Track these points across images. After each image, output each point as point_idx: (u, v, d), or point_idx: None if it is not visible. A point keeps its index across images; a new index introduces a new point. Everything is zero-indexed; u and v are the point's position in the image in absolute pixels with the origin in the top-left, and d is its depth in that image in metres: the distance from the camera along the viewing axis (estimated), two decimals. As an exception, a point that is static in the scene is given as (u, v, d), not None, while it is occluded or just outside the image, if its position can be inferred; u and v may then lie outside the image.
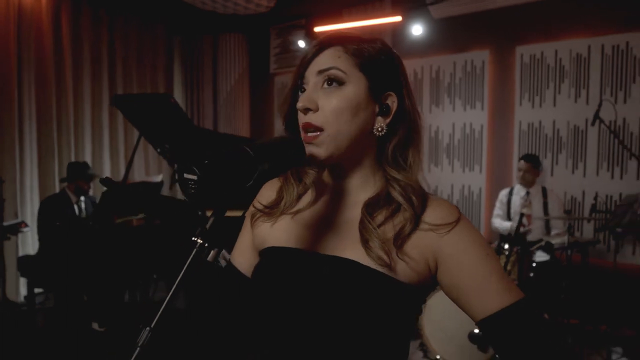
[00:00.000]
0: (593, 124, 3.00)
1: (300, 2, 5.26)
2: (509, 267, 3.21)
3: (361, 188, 0.83)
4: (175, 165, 0.75)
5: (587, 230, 4.00)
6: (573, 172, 4.08)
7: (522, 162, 3.81)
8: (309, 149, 0.76)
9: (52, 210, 3.73)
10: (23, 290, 4.23)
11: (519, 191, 3.83)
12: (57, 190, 4.46)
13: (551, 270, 3.45)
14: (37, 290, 3.92)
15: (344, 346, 0.75)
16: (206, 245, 0.66)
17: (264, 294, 0.84)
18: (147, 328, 0.64)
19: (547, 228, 3.77)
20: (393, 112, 0.80)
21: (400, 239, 0.76)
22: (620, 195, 3.81)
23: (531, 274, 3.35)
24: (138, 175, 5.13)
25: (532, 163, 3.78)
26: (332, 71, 0.76)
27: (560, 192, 4.04)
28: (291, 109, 0.83)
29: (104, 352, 3.32)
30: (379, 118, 0.79)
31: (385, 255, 0.74)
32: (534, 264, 3.41)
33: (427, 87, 4.85)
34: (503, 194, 3.97)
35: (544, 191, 3.80)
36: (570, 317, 3.42)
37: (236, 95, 6.05)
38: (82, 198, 3.98)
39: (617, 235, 3.58)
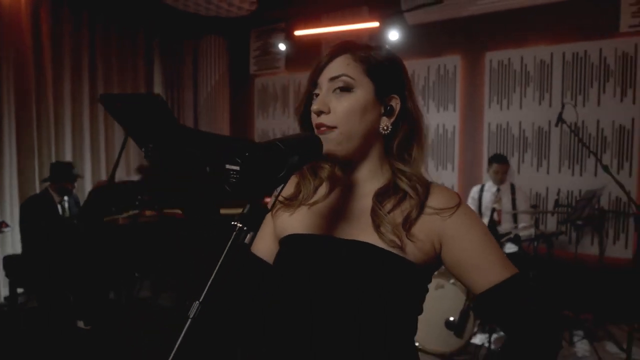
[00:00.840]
0: (557, 125, 3.17)
1: (280, 7, 5.30)
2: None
3: (370, 180, 0.89)
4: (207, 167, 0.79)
5: (551, 223, 4.20)
6: (538, 169, 4.29)
7: (498, 165, 3.88)
8: (327, 147, 0.81)
9: (35, 210, 3.63)
10: (4, 291, 4.10)
11: (490, 188, 3.98)
12: (37, 189, 4.33)
13: (519, 260, 3.61)
14: (18, 290, 3.80)
15: (362, 321, 0.80)
16: (245, 228, 0.70)
17: (287, 276, 0.88)
18: (197, 302, 0.67)
19: (516, 222, 3.95)
20: (396, 112, 0.86)
21: (408, 223, 0.82)
22: (580, 191, 4.03)
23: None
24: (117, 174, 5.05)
25: (507, 164, 3.95)
26: (343, 78, 0.82)
27: (526, 189, 4.24)
28: (305, 110, 0.89)
29: (90, 350, 3.27)
30: (384, 118, 0.86)
31: (396, 238, 0.80)
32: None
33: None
34: (475, 190, 4.12)
35: (513, 188, 3.97)
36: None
37: (216, 96, 6.03)
38: (66, 198, 3.89)
39: (577, 228, 3.80)
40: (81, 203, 4.33)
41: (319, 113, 0.82)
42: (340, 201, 0.91)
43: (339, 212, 0.89)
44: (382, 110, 0.86)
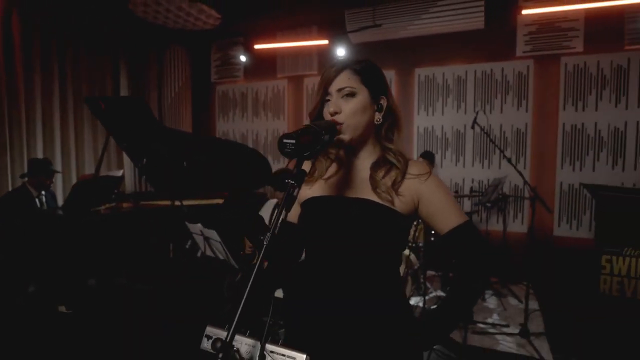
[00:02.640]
0: (472, 127, 3.57)
1: (240, 23, 5.37)
2: (417, 234, 3.69)
3: (367, 158, 1.12)
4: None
5: (467, 206, 4.66)
6: (456, 164, 4.75)
7: (426, 161, 4.21)
8: (340, 136, 1.03)
9: (14, 205, 3.45)
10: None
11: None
12: (10, 185, 4.08)
13: (445, 236, 4.02)
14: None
15: (365, 255, 1.03)
16: (294, 184, 0.88)
17: (312, 223, 1.10)
18: (268, 234, 0.83)
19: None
20: (384, 108, 1.10)
21: (396, 185, 1.06)
22: (488, 180, 4.54)
23: (432, 239, 3.88)
24: (90, 169, 4.85)
25: (430, 160, 4.35)
26: (347, 89, 1.05)
27: (447, 180, 4.70)
28: (318, 111, 1.10)
29: (71, 333, 3.18)
30: (377, 113, 1.09)
31: (388, 195, 1.04)
32: (433, 232, 3.96)
33: (347, 98, 5.25)
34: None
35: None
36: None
37: (179, 101, 5.94)
38: (43, 192, 3.72)
39: (487, 208, 4.29)
40: (57, 198, 4.15)
41: (333, 113, 1.04)
42: (346, 174, 1.12)
43: (346, 181, 1.11)
44: (375, 108, 1.08)
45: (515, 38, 4.34)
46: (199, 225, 2.60)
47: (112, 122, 3.15)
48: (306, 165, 1.18)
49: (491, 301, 3.85)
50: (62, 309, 3.47)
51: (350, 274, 1.04)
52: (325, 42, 4.88)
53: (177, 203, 3.24)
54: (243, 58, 5.38)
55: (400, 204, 1.05)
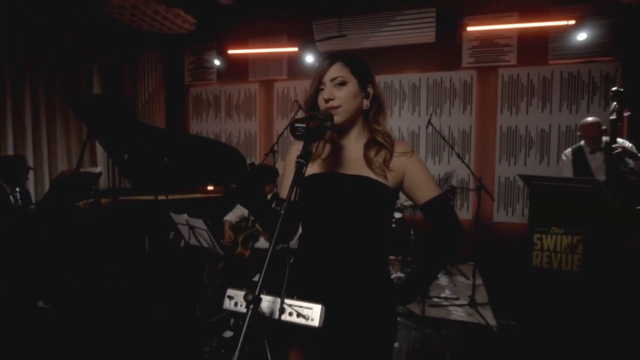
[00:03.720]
0: (427, 128, 3.77)
1: (214, 29, 5.29)
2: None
3: (357, 139, 1.19)
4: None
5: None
6: (411, 161, 4.97)
7: None
8: (335, 119, 1.10)
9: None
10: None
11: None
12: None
13: (403, 223, 4.20)
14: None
15: (361, 226, 1.11)
16: (303, 162, 0.95)
17: (313, 198, 1.15)
18: (285, 204, 0.90)
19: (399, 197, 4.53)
20: (371, 95, 1.18)
21: (386, 162, 1.14)
22: (440, 174, 4.80)
23: (393, 226, 4.05)
24: (62, 166, 4.59)
25: None
26: (339, 78, 1.12)
27: (404, 175, 4.89)
28: (313, 99, 1.17)
29: (49, 328, 3.03)
30: (364, 100, 1.16)
31: (383, 172, 1.12)
32: (394, 219, 4.12)
33: (314, 101, 5.33)
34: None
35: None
36: (414, 255, 4.24)
37: (153, 102, 5.75)
38: (17, 189, 3.49)
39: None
40: (32, 194, 3.90)
41: (328, 100, 1.11)
42: (340, 154, 1.19)
43: (341, 160, 1.17)
44: (363, 95, 1.15)
45: (461, 51, 4.61)
46: (185, 215, 2.58)
47: (94, 120, 3.02)
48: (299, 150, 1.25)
49: (443, 279, 4.09)
50: (41, 304, 3.29)
51: (348, 243, 1.10)
52: (295, 49, 4.92)
53: (160, 197, 3.16)
54: (217, 62, 5.31)
55: (391, 179, 1.12)
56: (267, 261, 0.80)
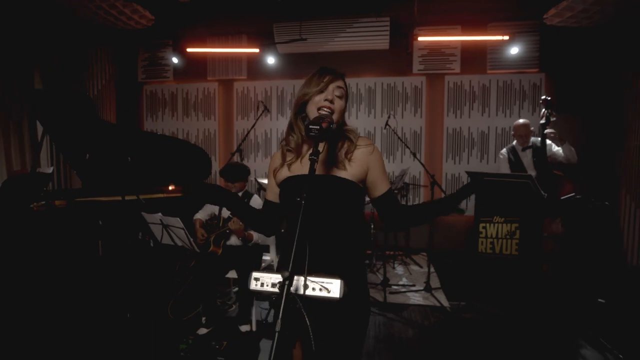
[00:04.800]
0: (385, 128, 4.03)
1: (171, 26, 5.14)
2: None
3: (324, 145, 1.29)
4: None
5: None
6: (368, 160, 5.24)
7: None
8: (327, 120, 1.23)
9: None
10: None
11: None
12: None
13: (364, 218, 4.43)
14: None
15: (335, 217, 1.22)
16: (315, 159, 1.07)
17: (290, 199, 1.26)
18: (304, 194, 1.01)
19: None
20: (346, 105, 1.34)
21: (347, 154, 1.26)
22: (394, 172, 5.13)
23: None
24: (16, 166, 4.21)
25: None
26: (341, 90, 1.29)
27: (362, 173, 5.15)
28: (309, 98, 1.28)
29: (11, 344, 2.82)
30: (342, 115, 1.32)
31: (344, 165, 1.23)
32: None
33: (274, 102, 5.37)
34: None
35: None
36: (374, 250, 4.49)
37: (103, 100, 5.43)
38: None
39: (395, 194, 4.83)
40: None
41: (330, 101, 1.25)
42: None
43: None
44: (343, 113, 1.31)
45: (412, 59, 4.97)
46: (159, 214, 2.56)
47: (52, 118, 2.86)
48: (278, 156, 1.39)
49: (399, 269, 4.40)
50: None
51: (324, 235, 1.20)
52: (257, 50, 4.96)
53: (129, 198, 3.06)
54: (175, 60, 5.17)
55: (352, 170, 1.24)
56: (294, 246, 0.92)
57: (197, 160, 3.69)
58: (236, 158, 4.29)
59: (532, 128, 3.56)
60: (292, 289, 0.96)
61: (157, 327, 2.88)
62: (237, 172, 2.99)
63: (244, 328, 2.87)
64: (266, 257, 3.38)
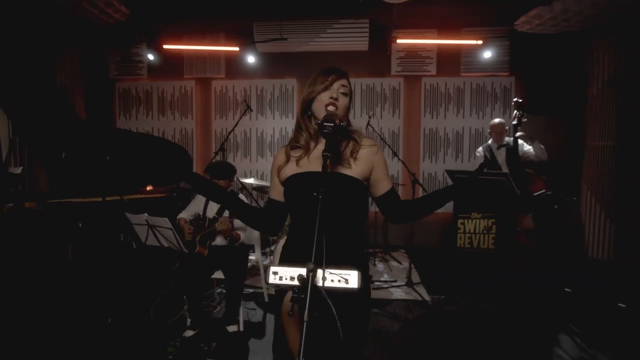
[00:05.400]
0: (367, 128, 4.12)
1: (146, 22, 4.99)
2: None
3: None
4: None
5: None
6: (348, 159, 5.32)
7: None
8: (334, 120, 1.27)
9: None
10: None
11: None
12: None
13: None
14: None
15: (342, 212, 1.26)
16: (328, 155, 1.11)
17: (296, 196, 1.30)
18: (321, 191, 1.04)
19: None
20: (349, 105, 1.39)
21: (353, 153, 1.31)
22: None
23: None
24: None
25: None
26: (346, 89, 1.33)
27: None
28: (314, 96, 1.32)
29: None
30: (347, 113, 1.37)
31: (349, 163, 1.28)
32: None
33: (254, 102, 5.33)
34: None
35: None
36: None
37: (70, 97, 5.18)
38: None
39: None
40: None
41: (335, 99, 1.28)
42: (319, 152, 1.32)
43: (320, 157, 1.31)
44: (347, 111, 1.35)
45: (391, 60, 5.10)
46: (145, 215, 2.49)
47: (26, 116, 2.71)
48: (283, 153, 1.40)
49: (380, 266, 4.50)
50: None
51: (329, 228, 1.19)
52: (236, 49, 4.91)
53: (111, 198, 2.95)
54: (151, 57, 5.02)
55: (357, 168, 1.29)
56: (316, 238, 0.94)
57: (177, 158, 3.62)
58: (219, 157, 4.23)
59: (506, 127, 3.76)
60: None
61: (141, 332, 2.80)
62: (224, 169, 2.96)
63: (232, 328, 2.85)
64: (251, 257, 3.36)
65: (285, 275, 1.00)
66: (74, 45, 5.03)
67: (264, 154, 5.41)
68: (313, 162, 1.32)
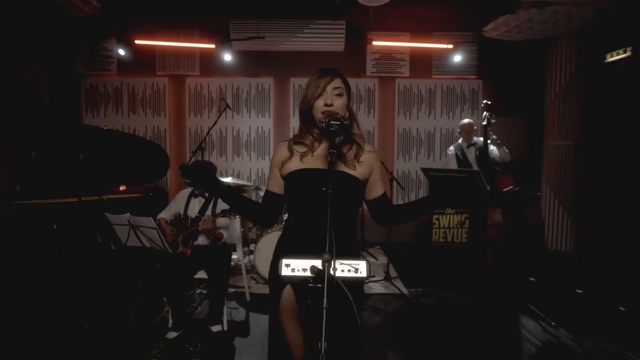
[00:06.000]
0: None
1: (116, 16, 4.80)
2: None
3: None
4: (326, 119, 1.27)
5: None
6: (324, 158, 5.39)
7: None
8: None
9: None
10: None
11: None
12: None
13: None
14: None
15: (343, 208, 1.32)
16: (335, 152, 1.17)
17: (301, 189, 1.35)
18: (330, 185, 1.09)
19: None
20: (349, 106, 1.45)
21: (357, 157, 1.39)
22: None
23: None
24: None
25: None
26: (339, 89, 1.37)
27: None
28: (309, 101, 1.37)
29: None
30: (347, 112, 1.42)
31: (353, 165, 1.37)
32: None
33: (230, 99, 5.26)
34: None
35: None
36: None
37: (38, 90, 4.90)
38: None
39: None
40: None
41: (329, 105, 1.34)
42: (325, 151, 1.40)
43: (325, 156, 1.39)
44: (347, 108, 1.41)
45: (366, 62, 5.22)
46: (127, 215, 2.43)
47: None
48: (285, 148, 1.43)
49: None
50: None
51: (337, 224, 1.24)
52: (212, 46, 4.84)
53: (88, 198, 2.83)
54: (122, 52, 4.84)
55: (360, 170, 1.38)
56: (328, 231, 1.00)
57: (153, 157, 3.54)
58: (198, 156, 4.17)
59: (475, 127, 3.98)
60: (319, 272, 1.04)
61: (121, 335, 2.72)
62: (204, 169, 2.93)
63: (216, 328, 2.83)
64: (232, 256, 3.35)
65: (297, 267, 1.05)
66: (40, 37, 4.75)
67: (240, 153, 5.37)
68: (317, 160, 1.37)
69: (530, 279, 3.78)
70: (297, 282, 1.05)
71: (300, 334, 1.38)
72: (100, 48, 5.13)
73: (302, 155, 1.39)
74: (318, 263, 1.02)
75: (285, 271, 1.05)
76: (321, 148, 1.40)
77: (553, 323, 2.96)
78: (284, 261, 1.06)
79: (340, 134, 1.19)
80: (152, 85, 5.26)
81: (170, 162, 5.23)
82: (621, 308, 3.22)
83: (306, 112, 1.40)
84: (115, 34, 5.07)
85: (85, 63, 5.17)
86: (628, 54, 4.12)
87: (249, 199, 1.52)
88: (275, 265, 1.41)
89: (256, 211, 1.49)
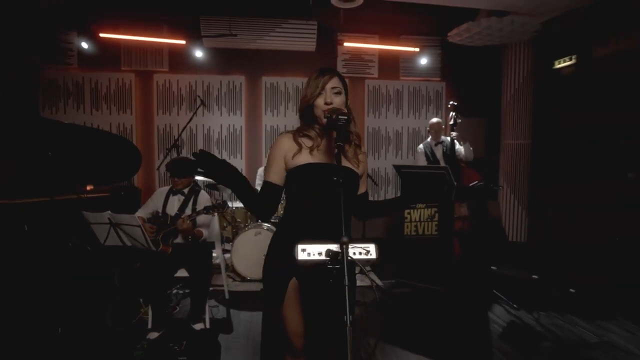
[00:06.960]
0: None
1: (77, 6, 4.56)
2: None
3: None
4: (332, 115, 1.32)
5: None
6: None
7: None
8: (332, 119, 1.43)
9: None
10: None
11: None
12: None
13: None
14: None
15: (346, 201, 1.34)
16: (340, 144, 1.25)
17: (309, 182, 1.40)
18: (338, 179, 1.19)
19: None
20: (348, 104, 1.56)
21: (356, 156, 1.50)
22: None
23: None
24: None
25: None
26: (337, 89, 1.45)
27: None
28: (309, 100, 1.45)
29: None
30: (345, 109, 1.52)
31: (355, 162, 1.48)
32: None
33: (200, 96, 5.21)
34: (260, 170, 4.88)
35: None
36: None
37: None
38: None
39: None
40: None
41: (329, 103, 1.42)
42: (327, 146, 1.48)
43: (328, 151, 1.47)
44: (347, 103, 1.49)
45: (336, 62, 5.35)
46: (108, 212, 2.36)
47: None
48: (289, 140, 1.47)
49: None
50: None
51: (333, 213, 1.31)
52: (183, 42, 4.74)
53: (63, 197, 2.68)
54: (84, 45, 4.60)
55: (361, 169, 1.51)
56: (343, 218, 1.08)
57: (125, 154, 3.43)
58: (173, 155, 4.06)
59: (443, 126, 4.23)
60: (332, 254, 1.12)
61: (99, 339, 2.63)
62: (185, 167, 2.90)
63: (199, 326, 2.82)
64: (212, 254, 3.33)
65: (313, 251, 1.12)
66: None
67: (212, 151, 5.28)
68: (322, 155, 1.44)
69: (492, 267, 4.09)
70: (313, 265, 1.12)
71: (301, 324, 1.43)
72: (59, 40, 4.84)
73: (311, 149, 1.44)
74: (333, 247, 1.10)
75: (301, 255, 1.12)
76: (323, 143, 1.48)
77: (515, 306, 3.25)
78: (300, 246, 1.13)
79: (347, 127, 1.28)
80: (117, 80, 5.05)
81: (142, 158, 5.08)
82: (571, 290, 3.60)
83: (307, 110, 1.47)
84: (75, 26, 4.81)
85: (42, 55, 4.85)
86: (573, 61, 4.58)
87: (253, 189, 1.52)
88: (272, 260, 1.46)
89: (260, 202, 1.50)
